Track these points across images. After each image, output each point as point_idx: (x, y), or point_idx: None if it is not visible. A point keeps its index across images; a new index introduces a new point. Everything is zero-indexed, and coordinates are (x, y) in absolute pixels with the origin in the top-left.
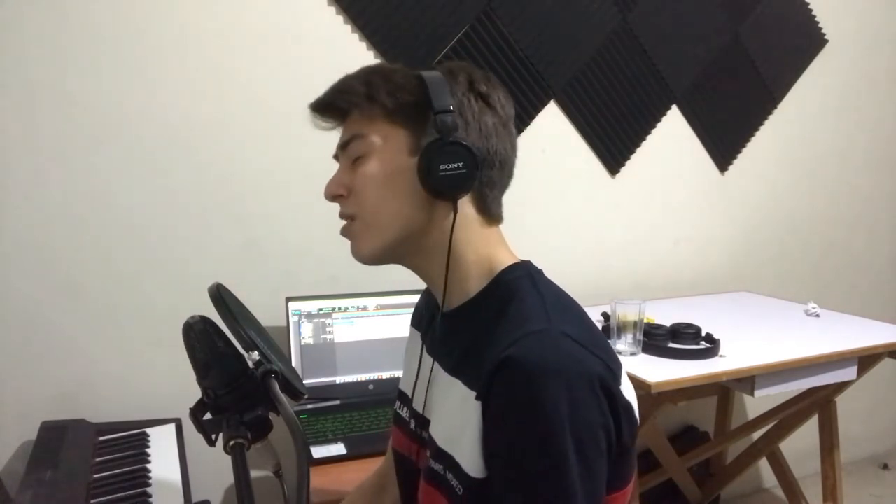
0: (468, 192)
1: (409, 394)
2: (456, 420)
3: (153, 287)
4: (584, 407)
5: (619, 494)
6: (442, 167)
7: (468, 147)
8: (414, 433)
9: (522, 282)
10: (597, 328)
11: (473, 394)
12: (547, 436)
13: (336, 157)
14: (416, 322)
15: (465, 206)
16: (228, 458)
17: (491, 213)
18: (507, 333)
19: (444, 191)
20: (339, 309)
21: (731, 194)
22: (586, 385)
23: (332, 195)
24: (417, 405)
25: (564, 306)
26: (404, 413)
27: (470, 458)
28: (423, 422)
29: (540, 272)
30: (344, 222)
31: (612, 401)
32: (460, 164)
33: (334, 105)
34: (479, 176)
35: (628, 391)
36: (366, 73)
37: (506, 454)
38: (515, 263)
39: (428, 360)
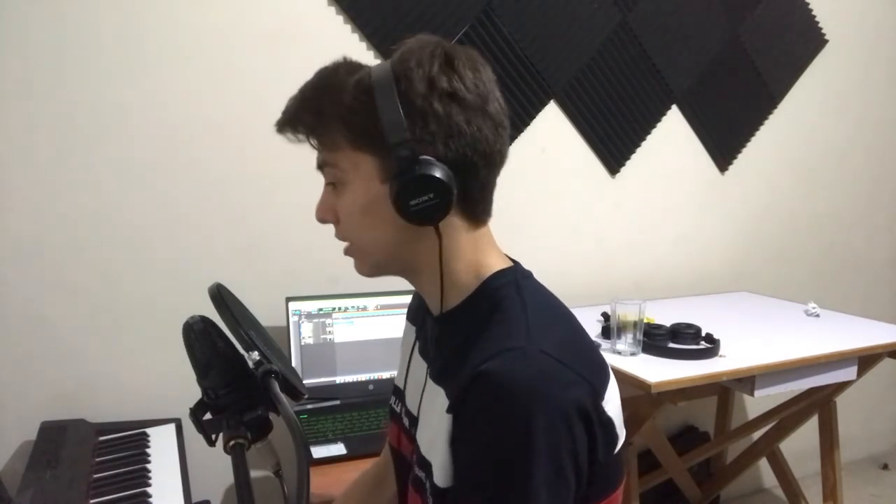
0: (447, 215)
1: (402, 389)
2: (435, 430)
3: (153, 287)
4: (554, 432)
5: None
6: (412, 203)
7: (435, 178)
8: (408, 430)
9: (507, 290)
10: (583, 337)
11: (447, 405)
12: (512, 457)
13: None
14: (412, 316)
15: (451, 217)
16: (228, 458)
17: (477, 216)
18: (485, 348)
19: (422, 222)
20: (339, 309)
21: (731, 194)
22: (558, 410)
23: (321, 220)
24: (409, 403)
25: (549, 317)
26: (399, 409)
27: (441, 470)
28: (416, 422)
29: (528, 276)
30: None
31: (589, 423)
32: (431, 196)
33: (294, 132)
34: (462, 184)
35: (612, 404)
36: (316, 95)
37: (469, 469)
38: (503, 269)
39: (420, 362)
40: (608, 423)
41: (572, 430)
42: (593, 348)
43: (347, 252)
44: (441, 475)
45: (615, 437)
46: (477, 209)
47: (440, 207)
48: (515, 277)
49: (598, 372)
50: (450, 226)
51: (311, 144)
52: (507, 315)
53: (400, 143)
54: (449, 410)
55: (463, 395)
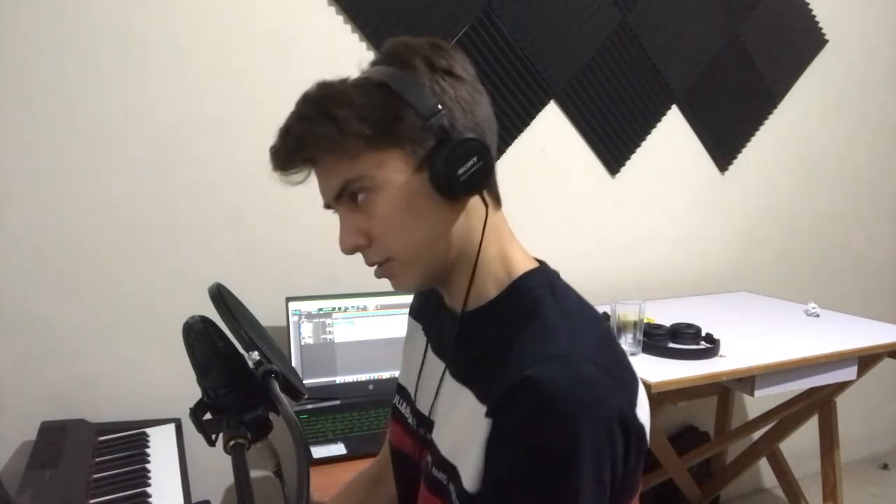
0: (490, 179)
1: (411, 390)
2: (463, 432)
3: (153, 287)
4: (598, 442)
5: None
6: (461, 172)
7: (476, 139)
8: (415, 432)
9: (541, 291)
10: (616, 341)
11: (484, 409)
12: (557, 467)
13: (328, 206)
14: (417, 313)
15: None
16: (228, 458)
17: (496, 190)
18: (527, 352)
19: (470, 191)
20: (339, 309)
21: (731, 194)
22: (603, 420)
23: (351, 248)
24: (419, 404)
25: (586, 321)
26: (404, 409)
27: (472, 474)
28: (426, 423)
29: (557, 277)
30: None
31: (627, 431)
32: (475, 159)
33: (304, 159)
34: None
35: (643, 410)
36: (321, 108)
37: (509, 476)
38: (533, 269)
39: (436, 361)
40: (640, 429)
41: (613, 439)
42: (624, 352)
43: (383, 272)
44: (472, 481)
45: (645, 442)
46: (495, 181)
47: (485, 170)
48: (548, 278)
49: (632, 377)
50: (483, 201)
51: (336, 156)
52: (546, 320)
53: (435, 115)
54: (488, 415)
55: (505, 401)
